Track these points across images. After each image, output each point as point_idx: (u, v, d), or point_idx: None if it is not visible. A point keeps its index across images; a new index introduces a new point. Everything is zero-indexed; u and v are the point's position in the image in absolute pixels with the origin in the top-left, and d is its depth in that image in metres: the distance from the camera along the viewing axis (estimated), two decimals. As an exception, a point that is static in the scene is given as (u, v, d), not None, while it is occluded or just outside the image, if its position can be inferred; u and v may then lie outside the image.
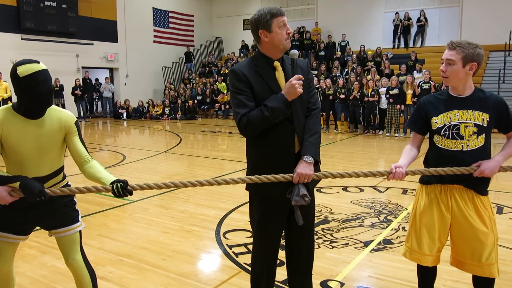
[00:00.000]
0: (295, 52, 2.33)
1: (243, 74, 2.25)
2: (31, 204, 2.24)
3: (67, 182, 2.47)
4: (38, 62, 2.15)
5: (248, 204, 2.52)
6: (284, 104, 2.19)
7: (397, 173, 2.33)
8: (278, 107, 2.18)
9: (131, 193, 2.15)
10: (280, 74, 2.31)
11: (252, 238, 2.52)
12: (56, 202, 2.34)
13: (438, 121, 2.39)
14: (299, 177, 2.20)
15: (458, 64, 2.29)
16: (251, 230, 2.59)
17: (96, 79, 18.75)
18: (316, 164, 2.29)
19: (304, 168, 2.20)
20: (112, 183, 2.13)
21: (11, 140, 2.16)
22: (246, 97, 2.24)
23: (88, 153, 2.32)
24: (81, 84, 16.59)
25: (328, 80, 13.36)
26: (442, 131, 2.37)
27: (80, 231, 2.44)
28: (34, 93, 2.11)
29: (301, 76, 2.22)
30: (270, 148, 2.28)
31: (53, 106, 2.29)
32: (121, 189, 2.11)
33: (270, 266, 2.48)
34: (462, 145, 2.35)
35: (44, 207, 2.31)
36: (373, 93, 12.17)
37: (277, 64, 2.30)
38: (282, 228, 2.45)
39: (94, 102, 18.69)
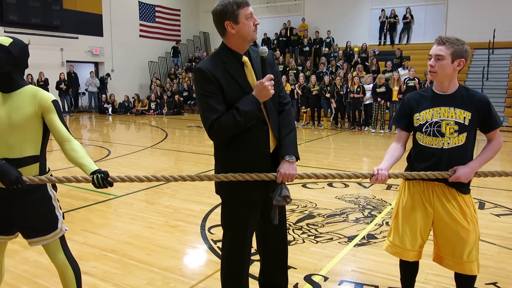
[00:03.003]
0: (264, 49, 2.16)
1: (212, 75, 2.08)
2: (3, 202, 2.18)
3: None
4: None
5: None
6: (257, 107, 2.10)
7: (379, 176, 2.34)
8: (250, 110, 2.07)
9: (111, 185, 2.10)
10: (249, 71, 2.19)
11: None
12: (30, 204, 2.22)
13: (420, 117, 2.40)
14: (282, 177, 2.16)
15: (447, 60, 2.28)
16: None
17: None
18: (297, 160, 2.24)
19: (287, 168, 2.15)
20: (93, 173, 2.09)
21: None
22: (215, 100, 2.09)
23: (70, 133, 2.22)
24: (66, 78, 16.35)
25: (313, 77, 13.39)
26: (424, 128, 2.38)
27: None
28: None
29: (272, 76, 2.10)
30: (244, 151, 2.18)
31: (34, 86, 2.22)
32: (101, 180, 2.07)
33: (246, 267, 2.42)
34: (443, 143, 2.35)
35: (18, 207, 2.21)
36: (358, 89, 12.25)
37: (245, 59, 2.18)
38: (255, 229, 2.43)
39: (79, 97, 18.45)
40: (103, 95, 17.83)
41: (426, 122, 2.37)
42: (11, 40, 2.16)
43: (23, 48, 2.21)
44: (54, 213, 2.31)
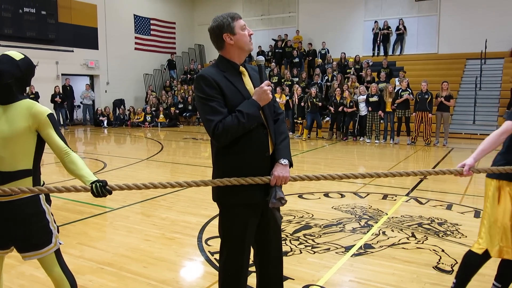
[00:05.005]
0: (261, 58, 2.37)
1: (213, 80, 2.19)
2: (3, 217, 2.16)
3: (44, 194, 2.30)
4: None
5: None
6: (258, 110, 2.20)
7: (468, 174, 2.49)
8: (252, 113, 2.17)
9: (110, 193, 2.13)
10: (247, 79, 2.33)
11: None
12: (24, 219, 2.20)
13: None
14: (276, 179, 2.22)
15: None
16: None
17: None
18: (290, 166, 2.31)
19: (281, 170, 2.22)
20: (92, 183, 2.11)
21: None
22: (218, 103, 2.17)
23: (68, 146, 2.23)
24: (61, 91, 16.35)
25: (314, 88, 13.40)
26: None
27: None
28: None
29: (269, 82, 2.27)
30: (246, 154, 2.24)
31: (30, 100, 2.23)
32: (100, 188, 2.09)
33: (244, 278, 2.41)
34: None
35: (12, 222, 2.20)
36: (351, 103, 12.32)
37: (243, 69, 2.32)
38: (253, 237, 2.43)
39: (75, 110, 18.44)
40: (98, 108, 17.85)
41: None
42: (23, 56, 2.24)
43: (31, 66, 2.27)
44: (48, 228, 2.29)
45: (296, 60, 17.63)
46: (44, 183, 2.34)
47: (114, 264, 3.65)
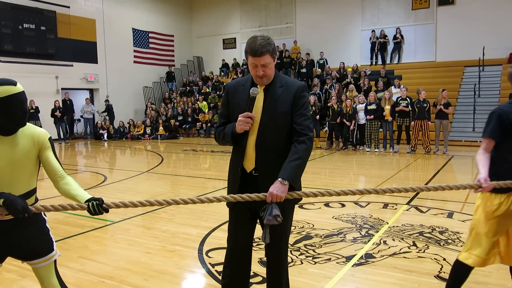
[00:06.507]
0: (255, 91, 2.36)
1: (227, 90, 2.53)
2: (3, 229, 2.20)
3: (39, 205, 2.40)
4: (15, 84, 2.13)
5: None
6: (231, 134, 2.40)
7: (487, 187, 2.45)
8: (227, 134, 2.44)
9: (106, 211, 2.15)
10: (259, 98, 2.40)
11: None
12: (28, 229, 2.28)
13: None
14: (271, 196, 2.26)
15: None
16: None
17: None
18: (292, 187, 2.33)
19: (277, 188, 2.26)
20: (87, 201, 2.14)
21: None
22: (222, 112, 2.55)
23: (63, 169, 2.30)
24: (61, 105, 16.42)
25: (312, 97, 13.47)
26: None
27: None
28: (9, 114, 2.11)
29: (250, 114, 2.34)
30: (231, 165, 2.58)
31: (29, 124, 2.28)
32: (97, 207, 2.11)
33: (238, 274, 2.62)
34: None
35: (16, 232, 2.25)
36: (350, 112, 12.37)
37: (260, 90, 2.42)
38: (250, 237, 2.61)
39: (75, 124, 18.49)
40: (107, 121, 17.90)
41: None
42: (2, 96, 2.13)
43: (7, 106, 2.14)
44: (49, 235, 2.39)
45: (304, 70, 17.74)
46: (37, 199, 2.41)
47: (115, 278, 3.64)
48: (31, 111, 15.42)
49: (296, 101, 2.39)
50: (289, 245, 4.27)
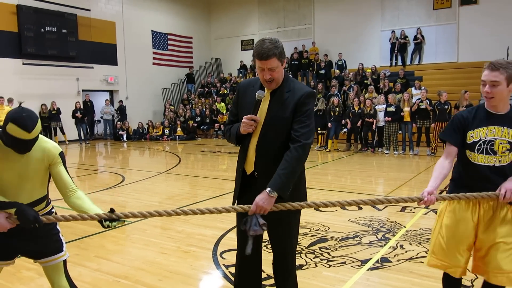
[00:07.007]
0: (261, 94, 2.35)
1: (239, 89, 2.56)
2: (17, 230, 2.25)
3: (51, 208, 2.49)
4: (29, 132, 2.10)
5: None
6: (236, 135, 2.43)
7: (429, 201, 2.38)
8: (232, 134, 2.46)
9: (118, 219, 2.25)
10: (265, 101, 2.40)
11: None
12: (40, 230, 2.33)
13: (474, 135, 2.46)
14: (255, 207, 2.22)
15: (503, 84, 2.35)
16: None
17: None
18: (281, 198, 2.26)
19: (262, 200, 2.22)
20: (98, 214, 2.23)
21: None
22: (232, 110, 2.59)
23: (74, 183, 2.37)
24: (82, 107, 16.72)
25: (336, 98, 13.27)
26: (477, 145, 2.45)
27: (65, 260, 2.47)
28: (15, 147, 2.17)
29: (254, 117, 2.33)
30: (236, 166, 2.59)
31: (40, 137, 2.31)
32: (109, 215, 2.21)
33: (247, 275, 2.64)
34: (495, 160, 2.42)
35: (29, 234, 2.33)
36: (371, 112, 12.23)
37: (267, 94, 2.40)
38: (258, 242, 2.57)
39: (95, 125, 18.80)
40: (119, 122, 18.13)
41: (480, 140, 2.44)
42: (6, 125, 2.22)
43: (9, 136, 2.17)
44: (59, 236, 2.46)
45: (323, 71, 17.63)
46: (49, 203, 2.49)
47: (129, 277, 3.68)
48: (53, 112, 15.78)
49: (298, 107, 2.34)
50: (303, 247, 4.27)
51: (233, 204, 2.51)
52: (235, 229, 4.85)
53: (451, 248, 2.51)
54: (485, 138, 2.43)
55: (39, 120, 2.19)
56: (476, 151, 2.45)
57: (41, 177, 2.32)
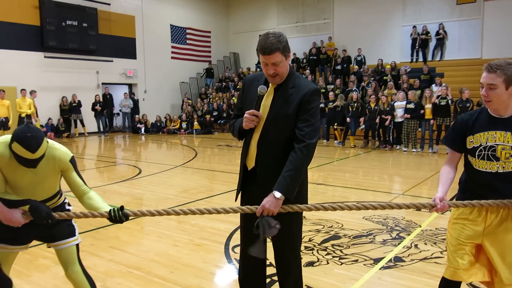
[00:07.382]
0: (263, 89, 2.32)
1: (244, 83, 2.55)
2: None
3: (64, 199, 2.60)
4: (33, 152, 2.15)
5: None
6: (239, 130, 2.43)
7: (441, 208, 2.27)
8: (235, 128, 2.47)
9: (127, 218, 2.30)
10: (269, 97, 2.38)
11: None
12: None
13: (474, 140, 2.32)
14: (262, 209, 2.21)
15: (501, 88, 2.17)
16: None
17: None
18: (288, 200, 2.25)
19: (269, 202, 2.21)
20: (110, 209, 2.30)
21: (6, 173, 2.29)
22: (237, 104, 2.59)
23: (85, 184, 2.45)
24: (101, 99, 16.95)
25: (355, 94, 13.16)
26: (477, 151, 2.30)
27: (77, 245, 2.56)
28: (20, 162, 2.22)
29: (255, 112, 2.32)
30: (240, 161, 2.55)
31: (50, 143, 2.36)
32: (118, 212, 2.27)
33: (253, 271, 2.62)
34: (498, 167, 2.26)
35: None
36: (388, 108, 12.06)
37: (269, 89, 2.38)
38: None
39: (114, 117, 19.05)
40: (137, 115, 18.33)
41: (480, 145, 2.30)
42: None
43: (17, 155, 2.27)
44: (71, 222, 2.57)
45: (339, 67, 17.46)
46: (61, 194, 2.59)
47: (142, 268, 3.72)
48: (74, 104, 16.06)
49: (303, 104, 2.29)
50: (316, 244, 4.25)
51: (236, 198, 2.53)
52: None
53: (453, 250, 2.39)
54: (486, 143, 2.26)
55: (45, 139, 2.23)
56: (477, 156, 2.30)
57: (52, 180, 2.42)
